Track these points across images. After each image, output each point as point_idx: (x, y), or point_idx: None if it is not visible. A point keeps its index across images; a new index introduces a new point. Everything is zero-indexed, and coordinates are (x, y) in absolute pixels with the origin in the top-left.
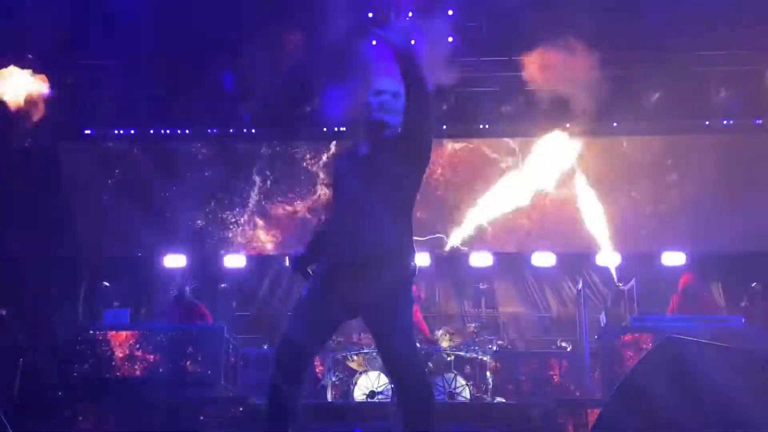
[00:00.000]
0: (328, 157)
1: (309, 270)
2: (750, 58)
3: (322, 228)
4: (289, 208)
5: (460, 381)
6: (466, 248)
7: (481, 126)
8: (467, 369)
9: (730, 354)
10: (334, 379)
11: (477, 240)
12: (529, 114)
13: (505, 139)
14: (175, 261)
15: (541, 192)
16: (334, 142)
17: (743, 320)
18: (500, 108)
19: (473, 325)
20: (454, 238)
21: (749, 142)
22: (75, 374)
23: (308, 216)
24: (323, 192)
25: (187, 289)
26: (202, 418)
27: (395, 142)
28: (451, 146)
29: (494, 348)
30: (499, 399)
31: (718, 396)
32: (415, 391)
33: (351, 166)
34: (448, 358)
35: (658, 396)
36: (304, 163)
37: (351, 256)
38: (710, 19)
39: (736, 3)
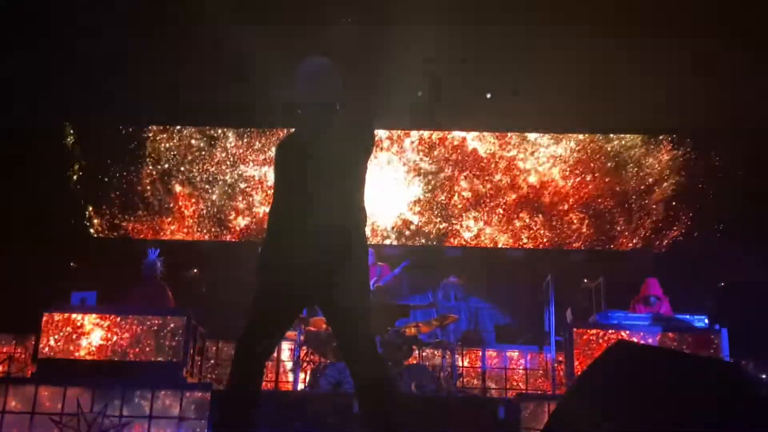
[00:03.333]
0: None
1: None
2: None
3: (270, 219)
4: None
5: (424, 373)
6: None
7: None
8: (431, 360)
9: (674, 357)
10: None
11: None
12: None
13: None
14: None
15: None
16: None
17: (706, 320)
18: None
19: (440, 316)
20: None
21: None
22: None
23: None
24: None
25: (159, 264)
26: (168, 403)
27: (344, 122)
28: None
29: (459, 341)
30: (462, 392)
31: (661, 396)
32: (375, 383)
33: (296, 154)
34: (414, 348)
35: (609, 394)
36: None
37: (305, 247)
38: None
39: None
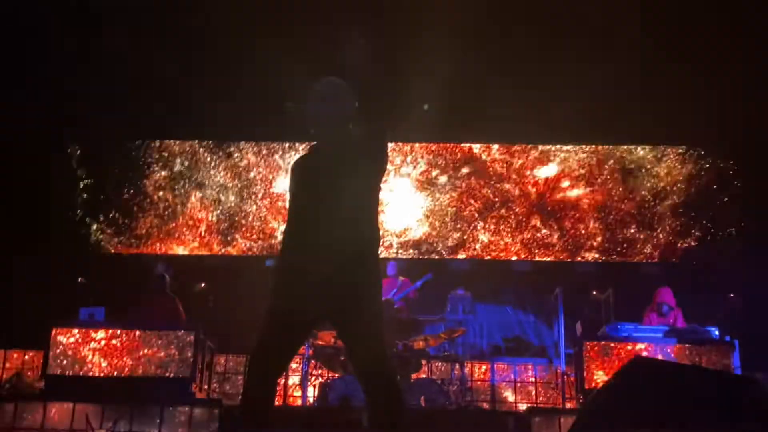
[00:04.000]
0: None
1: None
2: None
3: (285, 237)
4: None
5: (433, 386)
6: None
7: None
8: (440, 373)
9: (693, 372)
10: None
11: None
12: None
13: None
14: None
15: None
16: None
17: (717, 331)
18: None
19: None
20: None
21: None
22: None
23: None
24: None
25: (167, 277)
26: (177, 418)
27: (359, 141)
28: None
29: (468, 354)
30: (472, 405)
31: (678, 412)
32: (386, 397)
33: (310, 173)
34: (422, 362)
35: (626, 411)
36: None
37: (319, 263)
38: None
39: None
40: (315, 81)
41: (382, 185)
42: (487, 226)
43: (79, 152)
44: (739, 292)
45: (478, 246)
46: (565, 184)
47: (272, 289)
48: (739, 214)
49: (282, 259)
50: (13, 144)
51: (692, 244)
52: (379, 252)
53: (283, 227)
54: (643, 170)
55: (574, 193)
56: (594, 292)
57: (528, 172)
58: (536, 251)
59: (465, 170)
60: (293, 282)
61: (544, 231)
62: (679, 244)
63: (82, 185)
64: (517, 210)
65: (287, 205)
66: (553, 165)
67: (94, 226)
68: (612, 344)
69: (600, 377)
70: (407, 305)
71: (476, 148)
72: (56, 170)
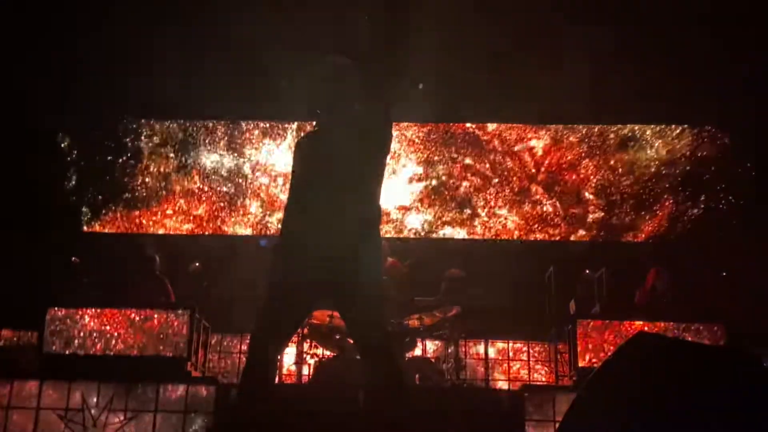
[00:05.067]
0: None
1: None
2: None
3: (286, 215)
4: None
5: (428, 365)
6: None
7: None
8: (434, 351)
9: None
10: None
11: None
12: None
13: None
14: None
15: None
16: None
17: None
18: None
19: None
20: None
21: None
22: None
23: None
24: None
25: (157, 259)
26: (173, 397)
27: (363, 121)
28: None
29: (463, 333)
30: (467, 383)
31: (682, 389)
32: (385, 373)
33: (313, 153)
34: (417, 340)
35: (629, 388)
36: None
37: (320, 242)
38: None
39: None
40: (318, 60)
41: (385, 165)
42: (482, 204)
43: (68, 134)
44: (735, 274)
45: (469, 227)
46: (563, 162)
47: (272, 268)
48: (738, 194)
49: (282, 238)
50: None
51: (689, 224)
52: (380, 230)
53: (279, 207)
54: (641, 149)
55: (571, 172)
56: (587, 271)
57: (523, 150)
58: (532, 230)
59: (461, 149)
60: (293, 260)
61: (539, 209)
62: (676, 225)
63: (72, 165)
64: (514, 188)
65: (289, 184)
66: (550, 144)
67: (86, 205)
68: (605, 323)
69: (593, 355)
70: None
71: (473, 127)
72: (45, 149)
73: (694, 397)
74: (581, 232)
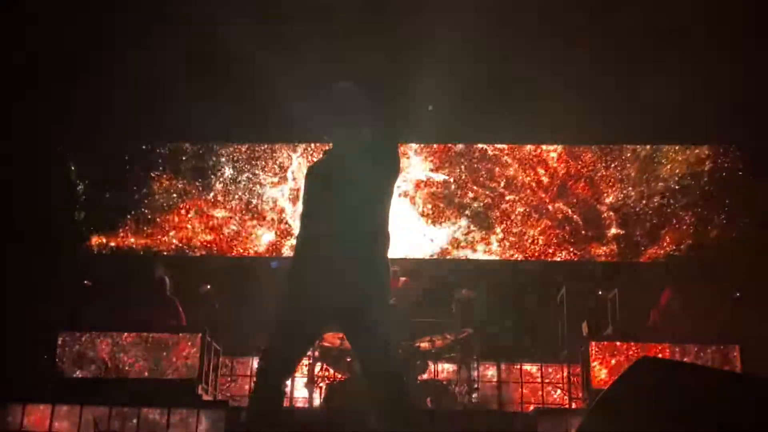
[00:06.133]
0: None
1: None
2: None
3: (298, 241)
4: None
5: (439, 388)
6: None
7: None
8: (446, 374)
9: (702, 373)
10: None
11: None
12: None
13: None
14: None
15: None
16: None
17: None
18: None
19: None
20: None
21: None
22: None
23: None
24: None
25: (167, 281)
26: (183, 420)
27: (371, 146)
28: None
29: (474, 355)
30: (479, 406)
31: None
32: (393, 398)
33: (322, 179)
34: (427, 363)
35: (633, 414)
36: None
37: (330, 269)
38: None
39: None
40: (327, 86)
41: (394, 188)
42: (494, 224)
43: (77, 154)
44: (751, 294)
45: (480, 247)
46: (577, 182)
47: (283, 293)
48: (755, 214)
49: (294, 263)
50: (10, 148)
51: (704, 244)
52: (388, 256)
53: (289, 229)
54: (657, 168)
55: (585, 192)
56: (600, 292)
57: (537, 170)
58: (540, 250)
59: (472, 168)
60: (304, 285)
61: (552, 230)
62: (691, 245)
63: (81, 188)
64: (527, 209)
65: (300, 208)
66: (565, 164)
67: (97, 229)
68: (618, 345)
69: (606, 377)
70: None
71: (485, 147)
72: (56, 174)
73: (699, 423)
74: (594, 252)
